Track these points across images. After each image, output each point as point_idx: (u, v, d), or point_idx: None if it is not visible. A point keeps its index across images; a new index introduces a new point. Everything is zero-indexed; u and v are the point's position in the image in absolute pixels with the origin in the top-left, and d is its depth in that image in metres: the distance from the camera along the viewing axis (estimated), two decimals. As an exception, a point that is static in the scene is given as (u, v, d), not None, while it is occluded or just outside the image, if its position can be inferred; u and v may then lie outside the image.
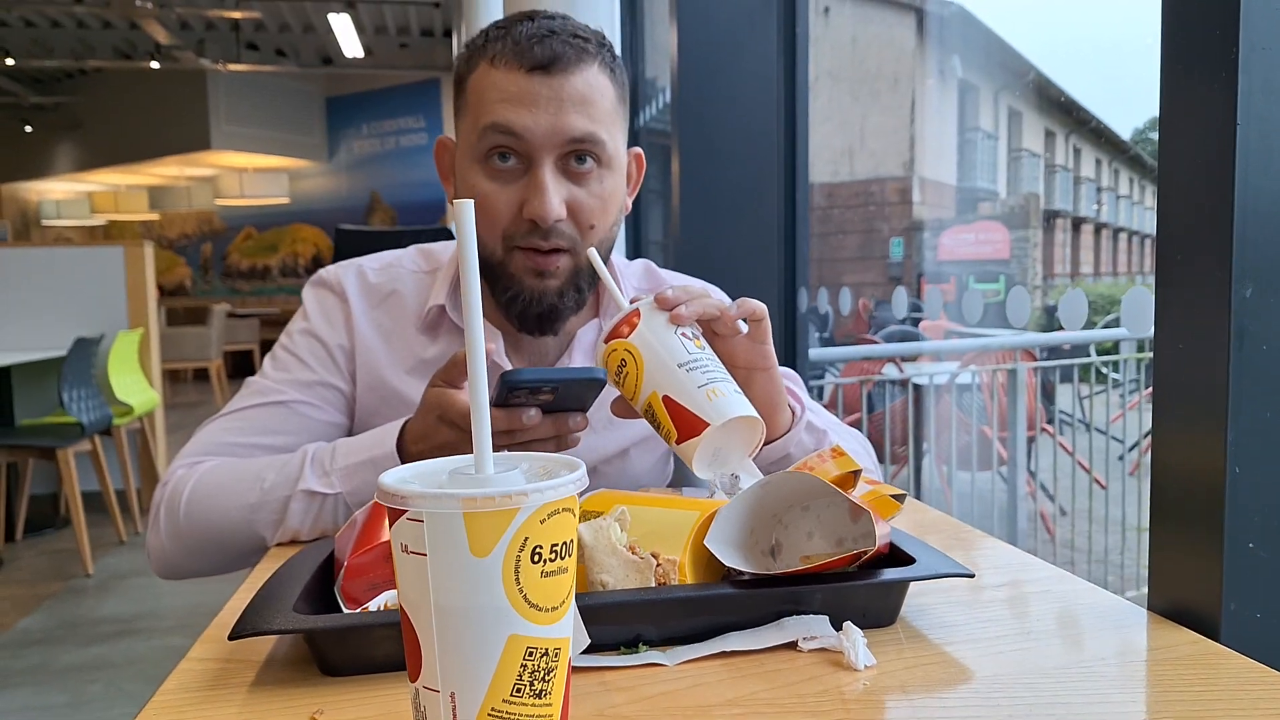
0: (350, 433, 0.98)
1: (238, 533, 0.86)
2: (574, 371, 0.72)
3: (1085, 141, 22.91)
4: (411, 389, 0.95)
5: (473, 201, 0.42)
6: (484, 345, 0.44)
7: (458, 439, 0.76)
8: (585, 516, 0.65)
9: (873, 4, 12.47)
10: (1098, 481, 4.45)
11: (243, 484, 0.87)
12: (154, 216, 13.19)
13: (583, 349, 0.98)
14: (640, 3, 3.30)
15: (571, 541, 0.42)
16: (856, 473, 0.68)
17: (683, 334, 0.74)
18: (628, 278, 1.07)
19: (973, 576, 0.63)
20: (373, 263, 1.01)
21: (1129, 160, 27.31)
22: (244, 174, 12.08)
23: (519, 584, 0.39)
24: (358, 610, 0.59)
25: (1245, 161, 0.55)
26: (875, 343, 4.66)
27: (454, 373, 0.77)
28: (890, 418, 3.89)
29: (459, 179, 0.90)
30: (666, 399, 0.71)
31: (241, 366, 10.47)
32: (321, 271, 1.02)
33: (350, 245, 2.44)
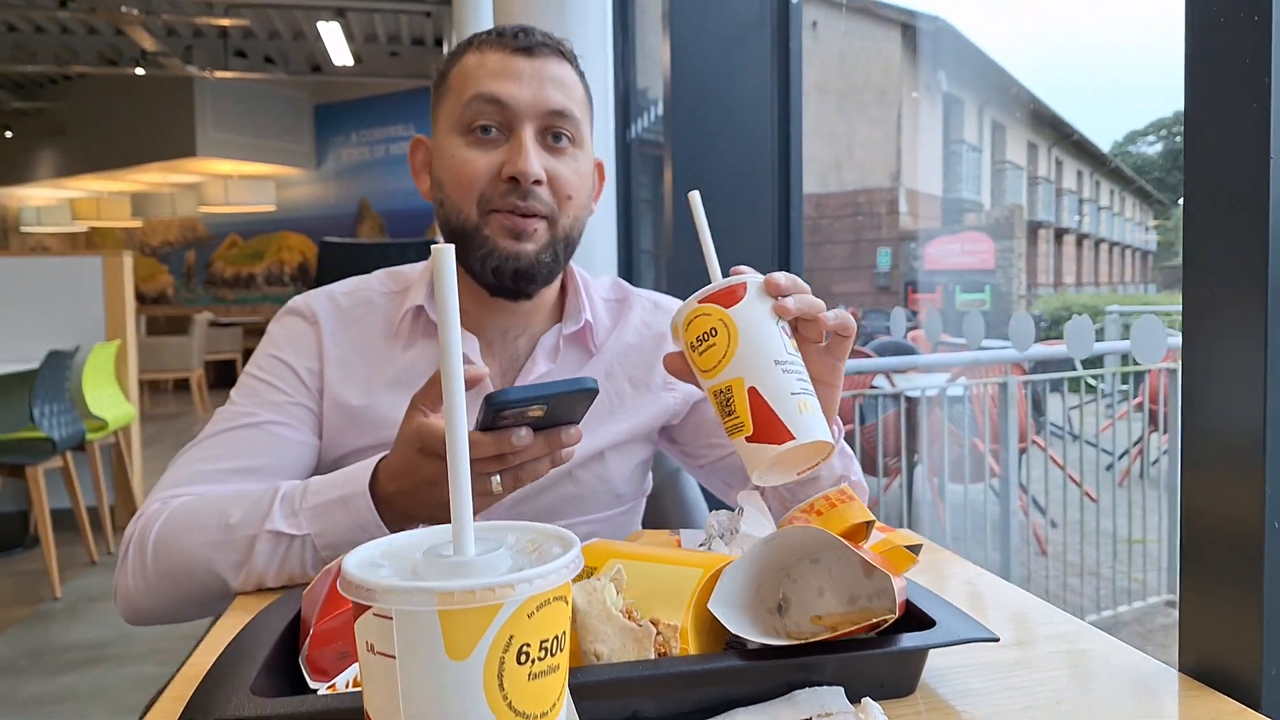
0: (320, 453, 0.95)
1: (197, 574, 0.81)
2: (564, 385, 0.65)
3: (1067, 154, 23.08)
4: (387, 403, 0.93)
5: (452, 248, 0.36)
6: (464, 400, 0.38)
7: (442, 472, 0.70)
8: (578, 576, 0.60)
9: (860, 19, 12.51)
10: (1088, 495, 4.43)
11: (210, 519, 0.82)
12: (136, 223, 13.04)
13: (545, 352, 0.97)
14: (632, 14, 3.25)
15: (564, 634, 0.36)
16: (870, 523, 0.63)
17: (782, 328, 0.66)
18: (595, 289, 1.05)
19: (998, 640, 0.57)
20: (341, 287, 1.01)
21: (1109, 172, 27.58)
22: (230, 181, 11.97)
23: (503, 690, 0.34)
24: (325, 686, 0.53)
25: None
26: (868, 355, 4.62)
27: (433, 395, 0.73)
28: (882, 430, 3.85)
29: (438, 156, 0.92)
30: (753, 391, 0.63)
31: (224, 376, 10.34)
32: (291, 301, 1.01)
33: (335, 258, 2.38)
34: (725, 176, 1.70)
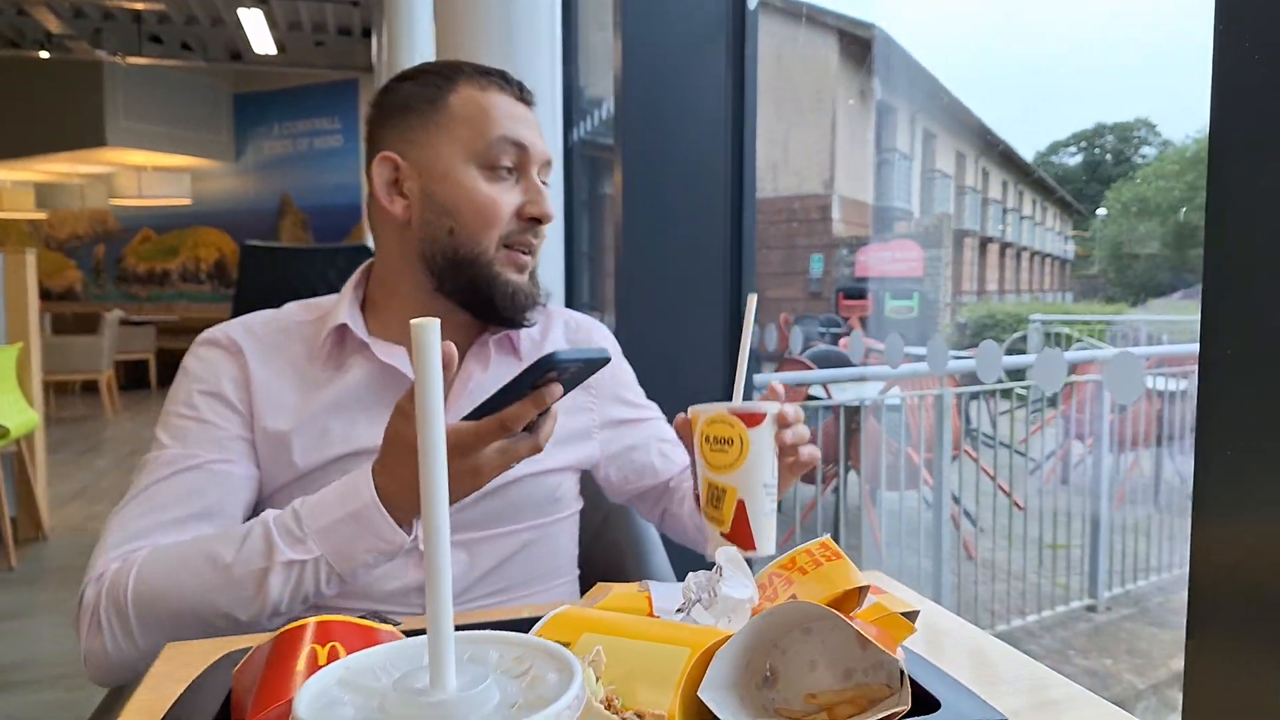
0: (260, 483, 0.95)
1: (201, 617, 0.83)
2: (592, 352, 0.77)
3: (993, 164, 23.82)
4: (325, 427, 0.94)
5: (437, 322, 0.30)
6: (445, 471, 0.32)
7: (464, 468, 0.78)
8: (548, 652, 0.54)
9: (797, 23, 12.66)
10: (1016, 504, 4.53)
11: (197, 563, 0.83)
12: (41, 215, 12.36)
13: (476, 359, 1.01)
14: (575, 14, 3.19)
15: (563, 782, 0.30)
16: (864, 588, 0.59)
17: (775, 451, 0.83)
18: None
19: None
20: (254, 318, 1.02)
21: (1032, 183, 28.57)
22: (143, 172, 11.43)
23: None
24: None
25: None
26: (808, 366, 4.64)
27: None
28: (821, 438, 3.86)
29: (448, 184, 0.95)
30: (741, 504, 0.80)
31: (135, 377, 9.87)
32: (205, 334, 1.00)
33: (259, 263, 2.25)
34: (678, 181, 1.66)
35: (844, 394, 4.19)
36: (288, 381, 0.96)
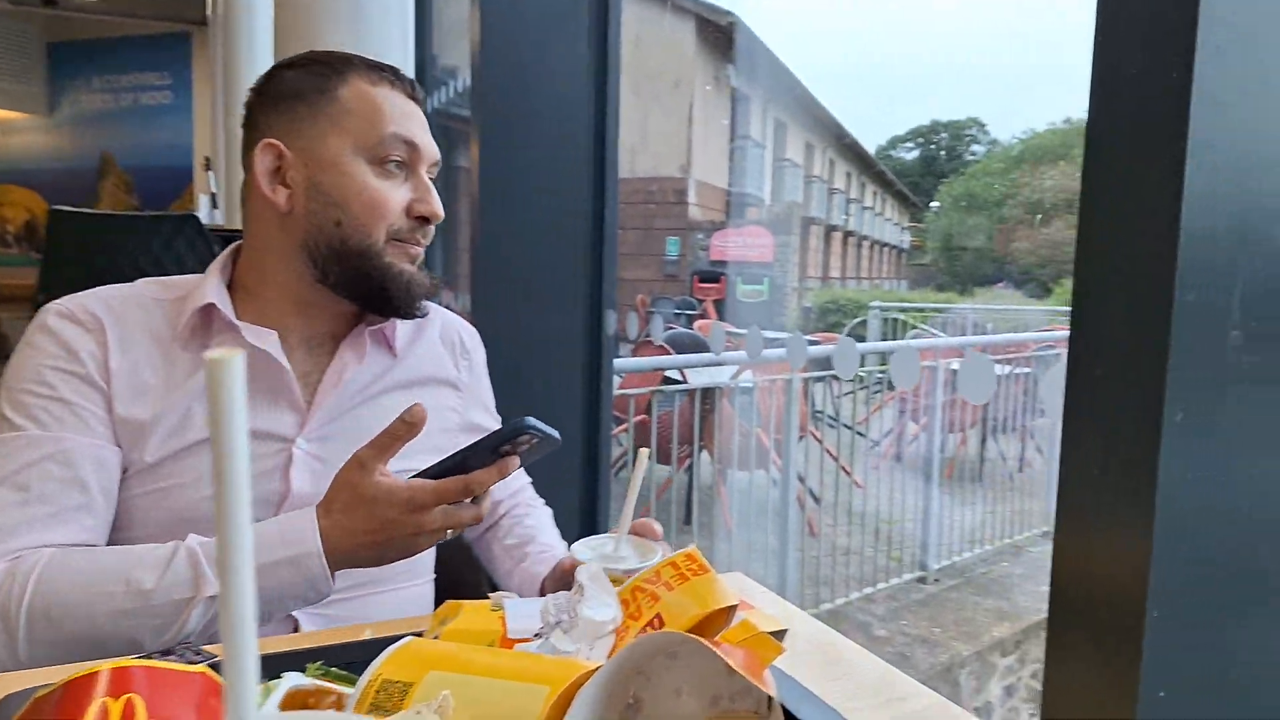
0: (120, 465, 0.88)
1: (103, 644, 0.77)
2: (552, 430, 0.77)
3: (839, 155, 24.85)
4: (192, 411, 0.89)
5: (241, 355, 0.24)
6: (249, 514, 0.25)
7: (421, 524, 0.79)
8: (389, 695, 0.47)
9: (656, 6, 12.68)
10: (856, 483, 4.74)
11: (107, 589, 0.78)
12: None
13: (351, 350, 0.98)
14: (428, -22, 3.03)
15: None
16: (732, 608, 0.55)
17: None
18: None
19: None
20: (109, 292, 0.95)
21: (874, 175, 30.05)
22: (-65, 121, 10.17)
23: None
24: None
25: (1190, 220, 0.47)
26: (665, 350, 4.67)
27: (386, 449, 0.79)
28: (676, 419, 3.90)
29: (337, 174, 0.93)
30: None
31: (-73, 349, 8.82)
32: (56, 305, 0.92)
33: (70, 231, 2.01)
34: (538, 156, 1.59)
35: (700, 378, 4.25)
36: (149, 363, 0.90)
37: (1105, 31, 0.50)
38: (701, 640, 0.49)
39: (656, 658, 0.53)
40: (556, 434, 0.78)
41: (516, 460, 0.79)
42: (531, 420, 0.74)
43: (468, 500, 0.81)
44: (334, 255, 0.93)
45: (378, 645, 0.55)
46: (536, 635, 0.57)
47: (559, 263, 1.61)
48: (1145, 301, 0.48)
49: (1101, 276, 0.51)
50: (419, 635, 0.61)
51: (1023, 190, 30.32)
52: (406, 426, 0.78)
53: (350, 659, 0.58)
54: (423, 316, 1.00)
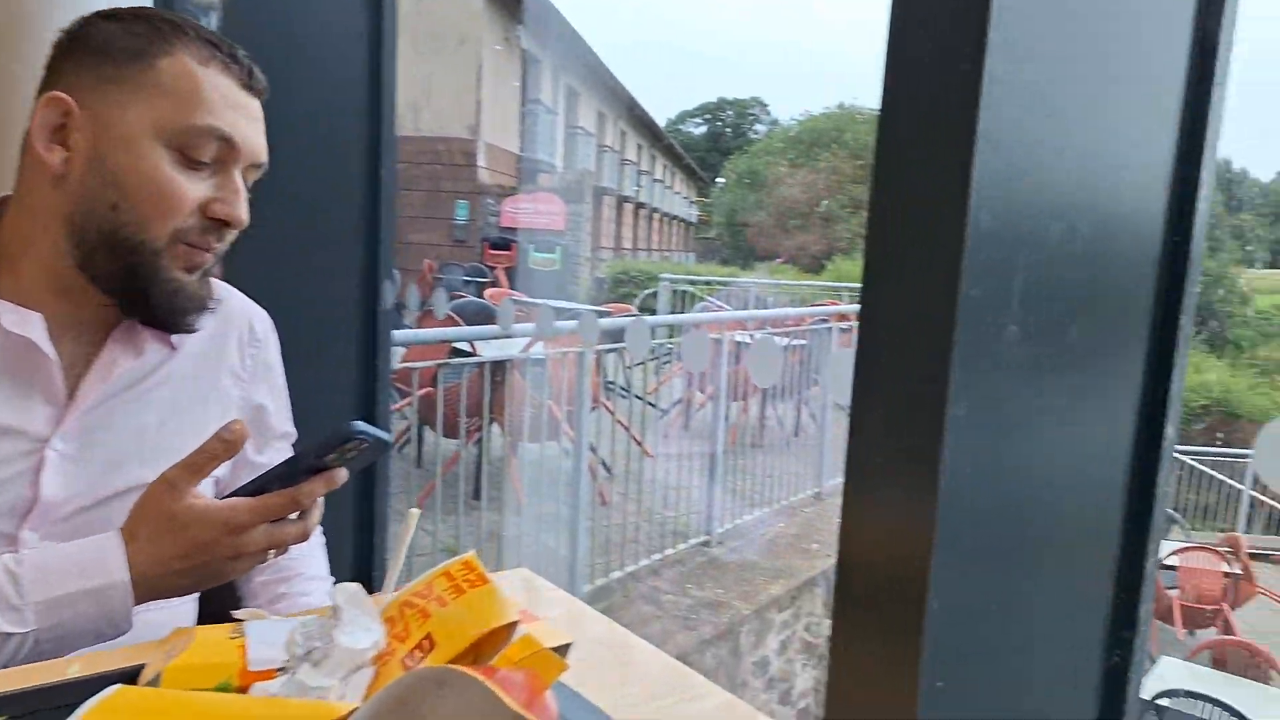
0: None
1: None
2: (383, 433, 0.73)
3: (631, 127, 25.19)
4: None
5: None
6: None
7: (234, 554, 0.73)
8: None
9: (442, -44, 12.17)
10: (646, 452, 4.85)
11: None
12: None
13: (121, 341, 0.86)
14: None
15: None
16: (512, 624, 0.50)
17: None
18: None
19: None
20: None
21: (664, 148, 30.77)
22: None
23: None
24: None
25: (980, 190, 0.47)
26: (454, 320, 4.51)
27: (196, 470, 0.73)
28: (464, 391, 3.78)
29: (125, 153, 0.80)
30: None
31: None
32: None
33: None
34: (303, 110, 1.44)
35: (490, 350, 4.15)
36: None
37: (898, 17, 0.48)
38: (473, 675, 0.43)
39: (425, 683, 0.47)
40: (387, 436, 0.74)
41: (345, 471, 0.74)
42: (360, 425, 0.69)
43: (293, 515, 0.75)
44: (102, 242, 0.81)
45: (83, 688, 0.45)
46: (281, 670, 0.49)
47: (329, 228, 1.48)
48: (931, 295, 0.47)
49: (889, 271, 0.50)
50: (137, 673, 0.51)
51: (800, 170, 32.22)
52: (224, 445, 0.72)
53: (45, 705, 0.48)
54: (188, 331, 0.88)
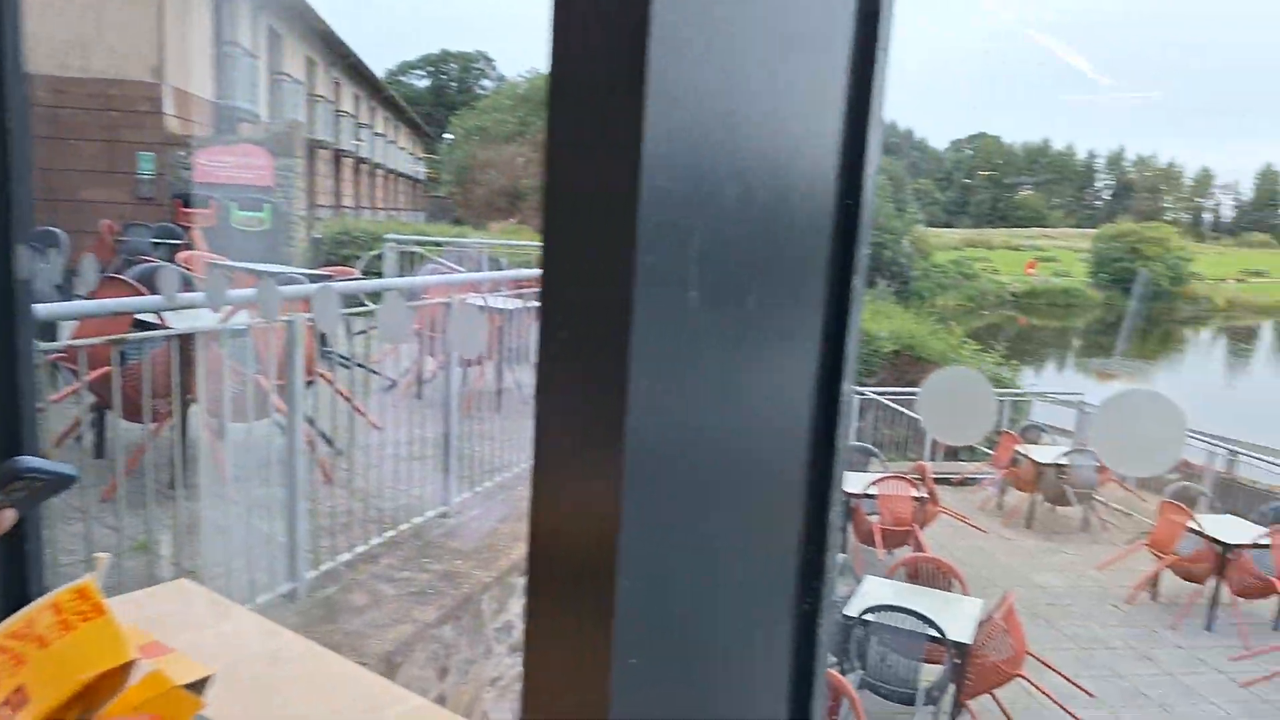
0: None
1: None
2: (63, 466, 0.68)
3: (345, 76, 23.66)
4: None
5: None
6: None
7: None
8: None
9: None
10: (373, 424, 4.63)
11: None
12: None
13: None
14: None
15: None
16: (129, 664, 0.42)
17: None
18: None
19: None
20: None
21: (384, 100, 29.30)
22: None
23: None
24: None
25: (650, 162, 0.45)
26: (137, 289, 3.97)
27: None
28: (150, 370, 3.37)
29: None
30: None
31: None
32: None
33: None
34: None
35: (184, 320, 3.73)
36: None
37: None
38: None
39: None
40: (68, 470, 0.66)
41: (13, 512, 0.65)
42: (28, 461, 0.61)
43: None
44: None
45: None
46: None
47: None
48: (607, 263, 0.45)
49: (565, 238, 0.47)
50: None
51: (530, 129, 32.11)
52: None
53: None
54: None
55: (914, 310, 21.28)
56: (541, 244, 0.48)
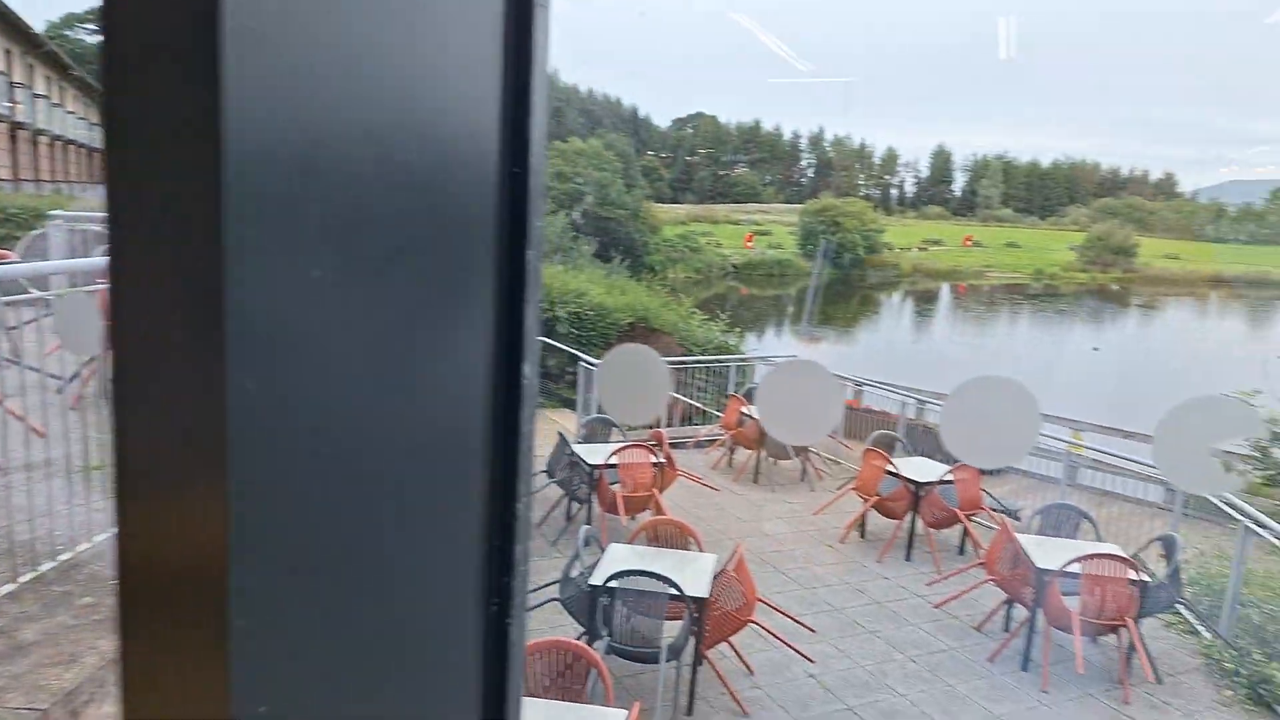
0: None
1: None
2: None
3: (-10, 25, 20.27)
4: None
5: None
6: None
7: None
8: None
9: None
10: (35, 430, 4.03)
11: None
12: None
13: None
14: None
15: None
16: None
17: None
18: None
19: None
20: None
21: (44, 56, 25.48)
22: None
23: None
24: None
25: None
26: None
27: None
28: None
29: None
30: None
31: None
32: None
33: None
34: None
35: None
36: None
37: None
38: None
39: None
40: None
41: None
42: None
43: None
44: None
45: None
46: None
47: None
48: (188, 249, 0.37)
49: (133, 210, 0.39)
50: None
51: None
52: None
53: None
54: None
55: (647, 284, 22.12)
56: (107, 235, 0.39)
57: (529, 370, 0.62)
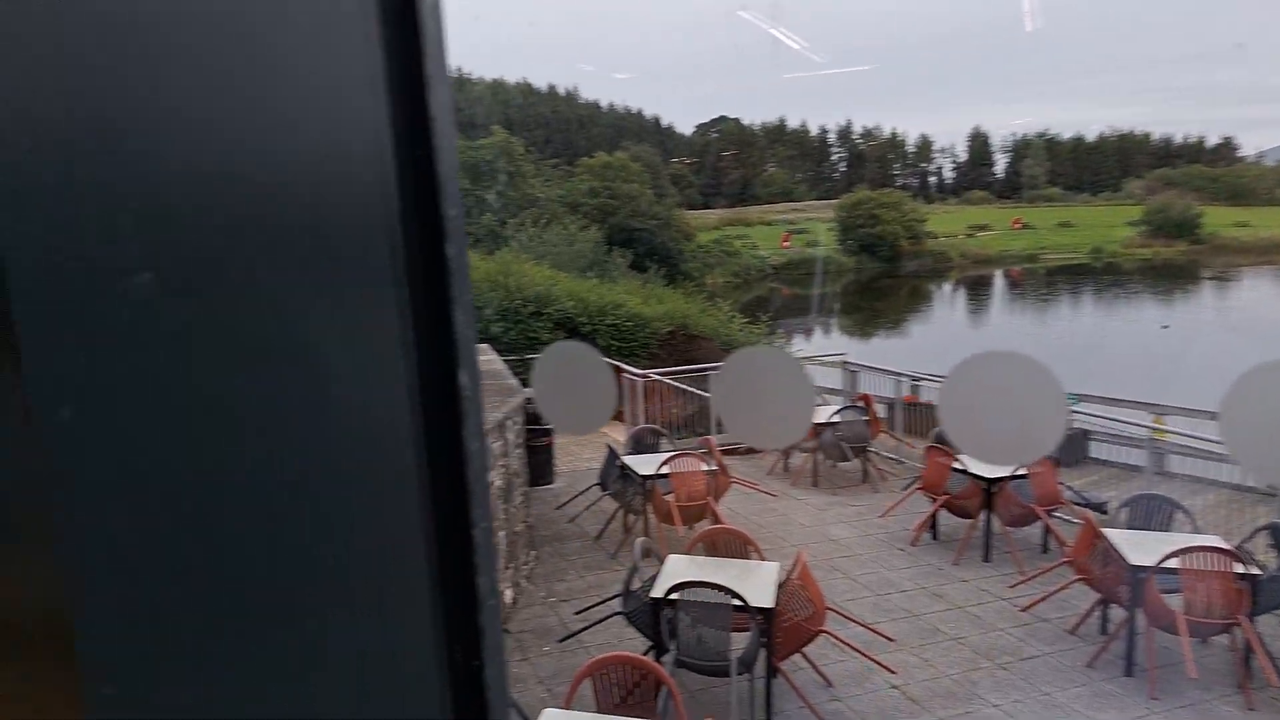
0: None
1: None
2: None
3: None
4: None
5: None
6: None
7: None
8: None
9: None
10: None
11: None
12: None
13: None
14: None
15: None
16: None
17: None
18: None
19: None
20: None
21: None
22: None
23: None
24: None
25: None
26: None
27: None
28: None
29: None
30: None
31: None
32: None
33: None
34: None
35: None
36: None
37: None
38: None
39: None
40: None
41: None
42: None
43: None
44: None
45: None
46: None
47: None
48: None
49: None
50: None
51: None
52: None
53: None
54: None
55: (684, 290, 21.98)
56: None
57: (466, 380, 0.48)
